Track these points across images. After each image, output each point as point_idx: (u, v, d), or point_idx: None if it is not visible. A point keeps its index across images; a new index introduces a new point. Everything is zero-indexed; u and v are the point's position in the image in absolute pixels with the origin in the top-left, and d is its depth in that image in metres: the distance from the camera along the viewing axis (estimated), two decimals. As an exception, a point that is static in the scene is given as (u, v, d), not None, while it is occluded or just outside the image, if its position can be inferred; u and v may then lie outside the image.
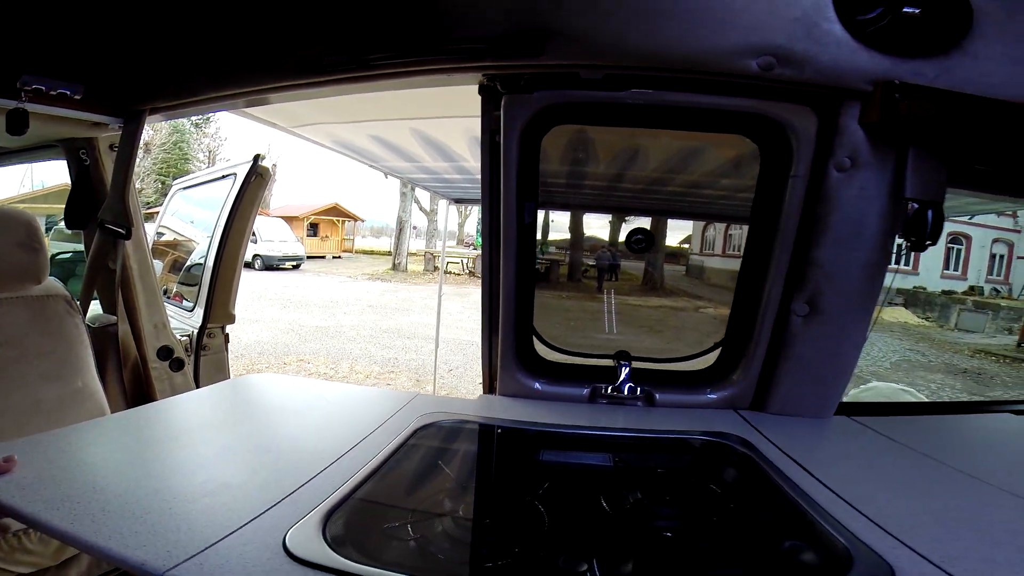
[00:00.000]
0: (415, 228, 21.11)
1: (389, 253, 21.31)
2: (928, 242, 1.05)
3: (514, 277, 1.31)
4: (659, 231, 1.58)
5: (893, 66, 1.00)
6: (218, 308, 2.28)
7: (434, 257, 18.49)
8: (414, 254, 20.18)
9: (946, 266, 13.85)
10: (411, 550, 0.77)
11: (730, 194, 1.50)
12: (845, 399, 1.34)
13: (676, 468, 1.10)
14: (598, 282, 1.56)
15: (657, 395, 1.33)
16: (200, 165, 24.53)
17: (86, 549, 0.66)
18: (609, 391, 1.34)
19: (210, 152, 25.83)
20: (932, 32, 0.97)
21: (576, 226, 1.59)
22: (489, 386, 1.45)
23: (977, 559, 0.68)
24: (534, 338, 1.40)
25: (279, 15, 1.21)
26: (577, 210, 1.56)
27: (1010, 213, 12.25)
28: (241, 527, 0.69)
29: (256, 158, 2.18)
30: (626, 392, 1.33)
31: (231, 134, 27.65)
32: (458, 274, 16.87)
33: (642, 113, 1.19)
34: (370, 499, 0.83)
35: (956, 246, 13.93)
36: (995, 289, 13.59)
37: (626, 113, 1.20)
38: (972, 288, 13.52)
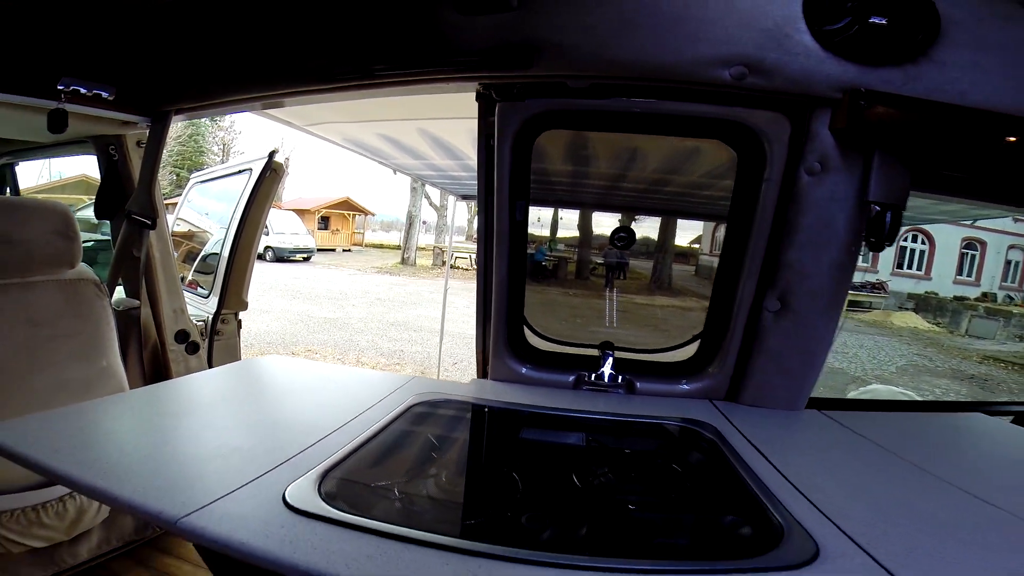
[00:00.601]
0: (425, 223, 21.19)
1: (399, 247, 21.45)
2: (886, 243, 1.12)
3: (506, 270, 1.40)
4: (653, 229, 1.65)
5: (861, 74, 1.04)
6: (232, 296, 2.40)
7: (443, 252, 18.58)
8: (423, 249, 20.30)
9: (959, 271, 13.63)
10: (395, 506, 0.87)
11: (710, 195, 1.57)
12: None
13: (645, 450, 1.18)
14: (577, 276, 1.64)
15: (637, 384, 1.41)
16: (215, 158, 24.81)
17: (111, 501, 0.76)
18: (592, 378, 1.43)
19: (224, 145, 26.10)
20: (899, 41, 1.01)
21: (559, 224, 1.68)
22: (482, 371, 1.55)
23: (903, 544, 0.72)
24: (525, 328, 1.49)
25: (293, 29, 1.32)
26: (565, 208, 1.65)
27: (1024, 219, 12.01)
28: (247, 483, 0.79)
29: (271, 154, 2.29)
30: (607, 380, 1.41)
31: (245, 128, 27.93)
32: (466, 269, 16.95)
33: (626, 119, 1.28)
34: (362, 463, 0.93)
35: (970, 251, 13.69)
36: (1009, 296, 13.35)
37: (611, 119, 1.29)
38: (985, 294, 13.30)
